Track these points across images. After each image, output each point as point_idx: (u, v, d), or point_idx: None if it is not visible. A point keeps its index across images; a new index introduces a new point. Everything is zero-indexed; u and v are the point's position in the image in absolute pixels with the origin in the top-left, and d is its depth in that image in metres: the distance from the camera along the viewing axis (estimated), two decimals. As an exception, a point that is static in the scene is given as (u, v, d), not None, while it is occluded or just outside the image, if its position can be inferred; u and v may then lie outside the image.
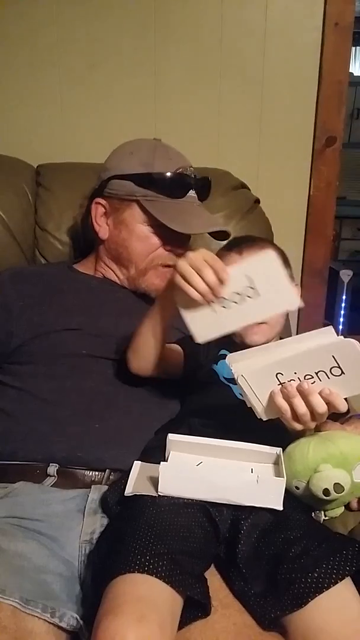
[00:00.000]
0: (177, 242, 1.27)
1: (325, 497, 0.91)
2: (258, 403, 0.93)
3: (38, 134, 1.68)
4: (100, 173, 1.32)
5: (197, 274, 0.89)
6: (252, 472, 0.95)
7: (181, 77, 1.66)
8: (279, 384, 0.91)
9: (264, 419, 0.94)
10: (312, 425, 0.93)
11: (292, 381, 0.90)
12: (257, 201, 1.58)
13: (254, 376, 0.91)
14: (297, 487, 0.95)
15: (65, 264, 1.42)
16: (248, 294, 0.90)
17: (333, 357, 0.88)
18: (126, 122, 1.64)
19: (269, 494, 0.91)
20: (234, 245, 1.26)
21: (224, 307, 0.92)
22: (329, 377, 0.89)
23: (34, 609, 0.82)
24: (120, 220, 1.28)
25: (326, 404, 0.89)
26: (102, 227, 1.31)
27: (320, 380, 0.90)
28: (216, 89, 1.68)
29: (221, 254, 1.27)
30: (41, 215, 1.50)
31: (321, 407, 0.89)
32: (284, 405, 0.90)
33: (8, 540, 0.91)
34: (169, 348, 1.17)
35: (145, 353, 1.10)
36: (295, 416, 0.91)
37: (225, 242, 1.40)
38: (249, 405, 0.94)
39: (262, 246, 1.25)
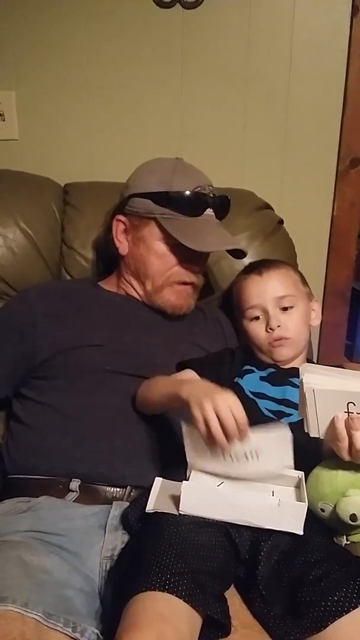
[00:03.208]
0: (194, 259, 1.29)
1: (352, 523, 0.91)
2: (314, 420, 0.92)
3: (66, 154, 1.70)
4: (122, 191, 1.35)
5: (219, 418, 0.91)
6: (273, 494, 0.95)
7: (207, 98, 1.68)
8: (346, 412, 0.90)
9: (311, 435, 0.94)
10: None
11: None
12: (281, 222, 1.59)
13: (325, 395, 0.90)
14: (322, 510, 0.95)
15: (90, 280, 1.44)
16: (252, 457, 0.95)
17: None
18: (152, 142, 1.67)
19: (289, 518, 0.91)
20: (254, 267, 1.30)
21: (225, 459, 0.96)
22: None
23: (56, 623, 0.82)
24: (139, 237, 1.30)
25: None
26: (123, 243, 1.33)
27: None
28: (241, 110, 1.69)
29: (241, 277, 1.30)
30: (68, 233, 1.52)
31: None
32: (343, 434, 0.90)
33: (31, 554, 0.92)
34: None
35: (147, 410, 1.15)
36: (350, 449, 0.91)
37: (242, 260, 1.42)
38: (300, 416, 0.94)
39: (279, 266, 1.27)
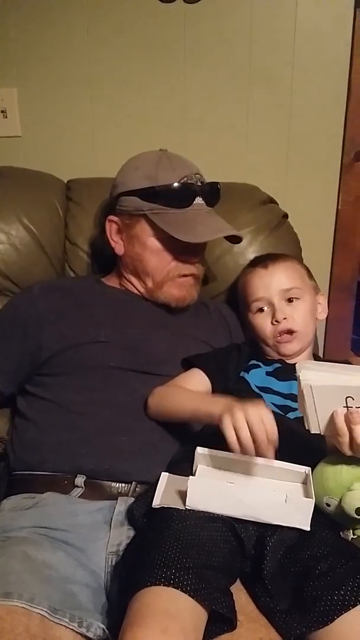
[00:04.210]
0: (190, 251, 1.28)
1: (357, 517, 0.90)
2: (314, 416, 0.92)
3: (69, 150, 1.71)
4: (111, 190, 1.34)
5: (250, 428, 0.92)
6: (280, 490, 0.95)
7: (210, 92, 1.68)
8: (345, 407, 0.90)
9: (312, 432, 0.93)
10: None
11: (359, 409, 0.90)
12: (286, 216, 1.58)
13: (323, 391, 0.90)
14: (328, 505, 0.95)
15: (94, 277, 1.44)
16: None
17: None
18: (155, 137, 1.66)
19: (297, 514, 0.90)
20: (259, 261, 1.30)
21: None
22: None
23: (62, 618, 0.83)
24: (132, 235, 1.29)
25: None
26: (118, 244, 1.32)
27: None
28: (245, 104, 1.69)
29: (247, 270, 1.30)
30: (71, 229, 1.52)
31: None
32: (343, 429, 0.90)
33: (36, 550, 0.92)
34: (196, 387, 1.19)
35: (166, 420, 1.15)
36: (351, 443, 0.91)
37: (247, 255, 1.45)
38: (300, 413, 0.94)
39: (285, 260, 1.27)
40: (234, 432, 0.92)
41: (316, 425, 0.92)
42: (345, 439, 0.90)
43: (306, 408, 0.91)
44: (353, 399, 0.89)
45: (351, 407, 0.89)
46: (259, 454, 0.93)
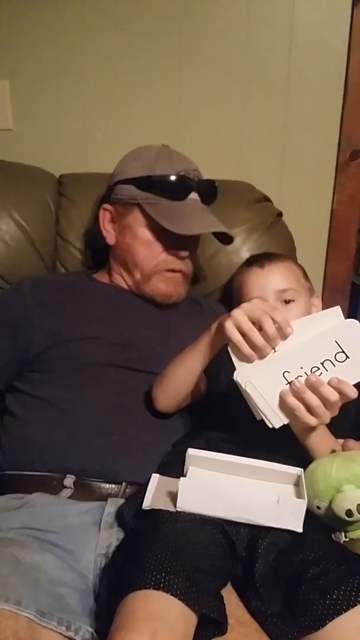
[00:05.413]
0: (180, 245, 1.27)
1: (347, 518, 0.90)
2: (269, 409, 0.93)
3: (61, 144, 1.69)
4: (109, 180, 1.35)
5: (257, 325, 0.91)
6: (272, 492, 0.94)
7: (205, 89, 1.67)
8: (287, 384, 0.92)
9: (276, 427, 0.94)
10: (327, 418, 0.93)
11: (299, 377, 0.91)
12: (280, 214, 1.57)
13: (263, 379, 0.92)
14: (318, 507, 0.94)
15: (85, 273, 1.43)
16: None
17: (336, 342, 0.90)
18: (149, 133, 1.65)
19: (289, 516, 0.89)
20: (255, 260, 1.28)
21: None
22: (334, 365, 0.91)
23: (50, 621, 0.81)
24: (124, 224, 1.29)
25: (337, 392, 0.90)
26: (110, 233, 1.32)
27: (327, 370, 0.91)
28: (240, 101, 1.68)
29: (243, 269, 1.29)
30: (62, 225, 1.51)
31: (332, 396, 0.90)
32: (296, 403, 0.91)
33: (24, 552, 0.91)
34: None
35: (177, 395, 1.13)
36: (310, 412, 0.92)
37: (241, 254, 1.45)
38: (258, 418, 0.95)
39: (282, 260, 1.26)
40: (238, 333, 0.91)
41: (275, 417, 0.94)
42: (302, 410, 0.91)
43: (259, 407, 0.93)
44: (289, 372, 0.91)
45: (291, 380, 0.91)
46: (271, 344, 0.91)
